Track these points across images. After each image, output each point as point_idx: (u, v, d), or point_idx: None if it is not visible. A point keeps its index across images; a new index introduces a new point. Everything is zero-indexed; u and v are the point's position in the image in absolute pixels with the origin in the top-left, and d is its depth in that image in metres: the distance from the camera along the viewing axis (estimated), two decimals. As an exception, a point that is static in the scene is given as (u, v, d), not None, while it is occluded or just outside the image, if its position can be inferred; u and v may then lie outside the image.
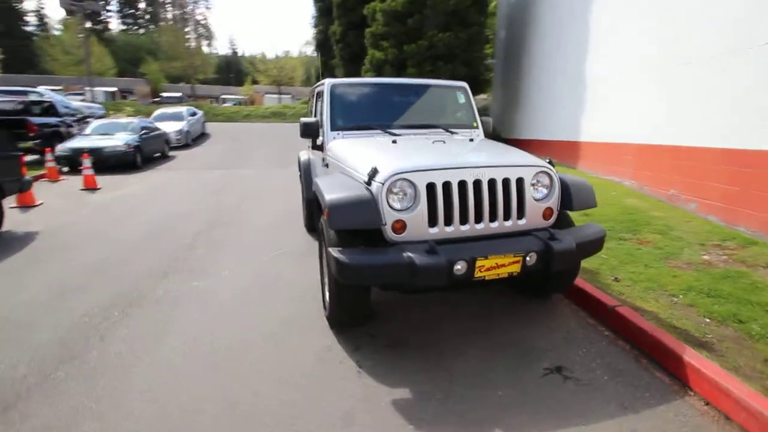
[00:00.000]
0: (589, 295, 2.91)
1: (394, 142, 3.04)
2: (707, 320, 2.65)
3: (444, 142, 3.08)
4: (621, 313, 2.61)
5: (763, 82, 3.80)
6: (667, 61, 4.97)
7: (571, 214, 2.82)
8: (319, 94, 3.98)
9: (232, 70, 54.54)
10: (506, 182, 2.45)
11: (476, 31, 10.58)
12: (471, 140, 3.24)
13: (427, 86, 3.85)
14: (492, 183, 2.43)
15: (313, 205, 4.55)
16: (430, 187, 2.33)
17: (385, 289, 2.42)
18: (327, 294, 2.82)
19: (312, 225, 4.82)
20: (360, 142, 3.19)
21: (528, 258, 2.31)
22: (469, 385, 2.15)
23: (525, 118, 10.06)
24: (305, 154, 4.83)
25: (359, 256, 2.17)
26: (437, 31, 10.34)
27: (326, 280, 2.87)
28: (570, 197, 2.62)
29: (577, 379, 2.19)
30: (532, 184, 2.54)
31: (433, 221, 2.35)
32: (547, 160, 2.65)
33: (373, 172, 2.35)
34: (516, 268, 2.31)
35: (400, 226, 2.30)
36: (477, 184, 2.40)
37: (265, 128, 23.58)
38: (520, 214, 2.50)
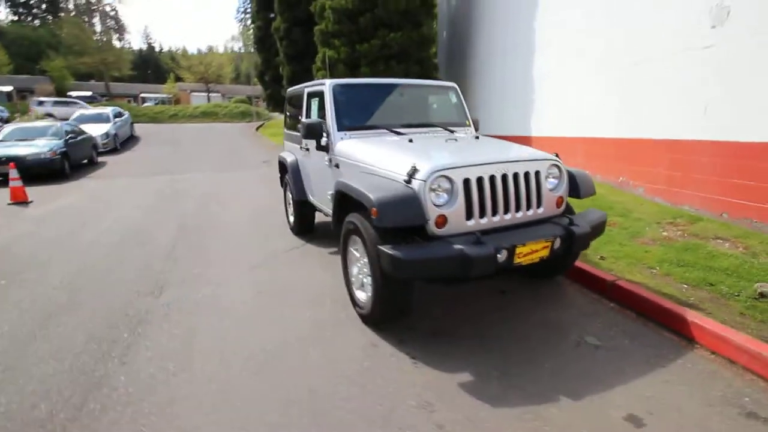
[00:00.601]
0: (588, 274, 3.26)
1: (410, 141, 3.14)
2: (685, 286, 3.12)
3: (456, 141, 3.25)
4: (622, 285, 2.99)
5: (698, 81, 4.48)
6: (614, 61, 5.62)
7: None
8: (314, 95, 3.94)
9: (150, 67, 50.20)
10: (527, 175, 2.68)
11: (426, 32, 10.91)
12: (477, 138, 3.45)
13: (420, 86, 4.00)
14: (515, 176, 2.64)
15: (306, 206, 4.52)
16: (466, 183, 2.48)
17: (430, 282, 2.53)
18: (358, 293, 2.86)
19: (301, 228, 4.75)
20: (373, 141, 3.24)
21: (555, 242, 2.56)
22: (518, 363, 2.34)
23: (476, 115, 10.66)
24: (290, 155, 4.74)
25: (414, 251, 2.26)
26: (389, 31, 10.51)
27: (353, 278, 2.91)
28: (577, 186, 2.93)
29: (604, 346, 2.48)
30: (546, 176, 2.80)
31: (469, 214, 2.50)
32: (555, 154, 2.94)
33: (413, 171, 2.43)
34: (546, 253, 2.55)
35: (441, 221, 2.43)
36: (503, 178, 2.60)
37: (199, 129, 22.26)
38: (539, 203, 2.75)
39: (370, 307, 2.63)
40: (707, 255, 3.60)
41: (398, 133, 3.48)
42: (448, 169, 2.45)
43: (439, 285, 2.98)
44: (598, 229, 2.86)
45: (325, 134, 3.49)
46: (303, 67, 13.87)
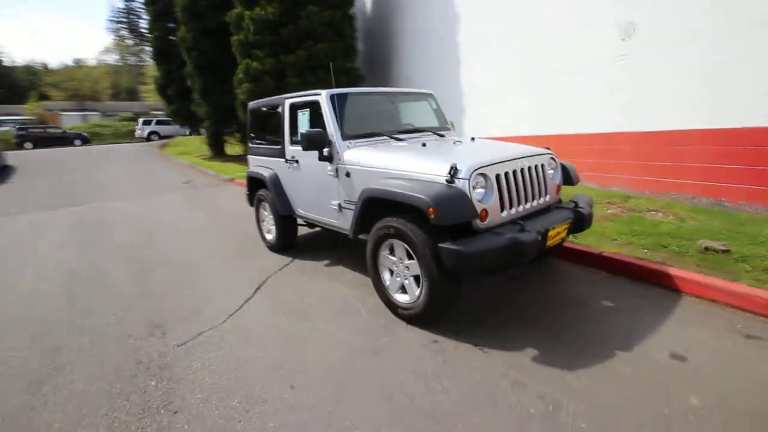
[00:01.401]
0: (576, 251, 3.76)
1: (423, 145, 3.30)
2: (645, 250, 3.77)
3: (462, 143, 3.49)
4: (608, 256, 3.52)
5: (614, 84, 5.41)
6: (540, 69, 6.46)
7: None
8: (301, 106, 3.87)
9: (3, 85, 42.00)
10: (536, 168, 3.04)
11: (350, 42, 11.13)
12: (473, 139, 3.72)
13: (404, 94, 4.18)
14: (529, 170, 2.97)
15: (290, 221, 4.38)
16: (497, 178, 2.73)
17: (482, 273, 2.70)
18: (398, 296, 2.91)
19: (284, 243, 4.57)
20: (386, 148, 3.32)
21: (571, 224, 2.94)
22: (565, 333, 2.63)
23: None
24: (266, 170, 4.53)
25: (474, 244, 2.42)
26: (314, 42, 10.51)
27: (388, 283, 2.96)
28: (569, 175, 3.38)
29: (621, 307, 2.91)
30: (548, 168, 3.19)
31: (502, 206, 2.75)
32: (547, 148, 3.35)
33: (454, 171, 2.60)
34: (564, 234, 2.92)
35: (484, 215, 2.63)
36: (522, 171, 2.91)
37: (86, 152, 19.45)
38: (546, 192, 3.12)
39: (421, 307, 2.70)
40: (650, 224, 4.39)
41: (398, 139, 3.61)
42: (484, 166, 2.67)
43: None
44: (592, 210, 3.33)
45: (329, 144, 3.46)
46: (217, 78, 13.07)
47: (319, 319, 3.08)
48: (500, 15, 7.08)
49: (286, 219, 4.43)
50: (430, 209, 2.44)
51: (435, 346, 2.58)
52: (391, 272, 3.01)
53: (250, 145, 4.98)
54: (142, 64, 47.60)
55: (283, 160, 4.19)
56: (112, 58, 53.51)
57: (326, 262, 4.29)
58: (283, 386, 2.30)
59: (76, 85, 34.25)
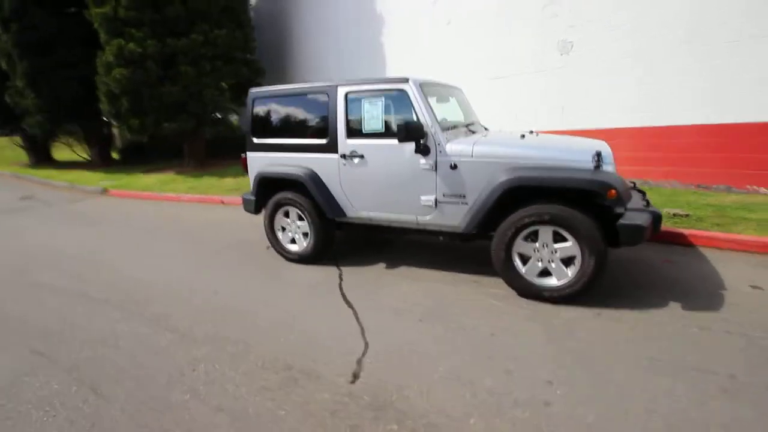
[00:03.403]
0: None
1: (522, 137, 3.44)
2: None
3: (537, 134, 3.76)
4: (628, 226, 4.36)
5: (555, 90, 6.55)
6: (483, 74, 7.26)
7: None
8: (374, 95, 3.48)
9: None
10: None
11: (248, 33, 10.03)
12: (531, 132, 4.02)
13: (451, 87, 4.18)
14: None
15: (332, 226, 3.91)
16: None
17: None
18: (545, 280, 3.01)
19: (323, 251, 4.04)
20: (494, 139, 3.33)
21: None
22: (676, 285, 3.19)
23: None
24: (298, 169, 3.87)
25: (643, 220, 2.75)
26: (210, 27, 9.12)
27: (525, 270, 3.04)
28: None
29: (677, 262, 3.68)
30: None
31: (614, 189, 3.18)
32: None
33: (599, 158, 2.87)
34: (639, 210, 3.54)
35: (619, 196, 3.00)
36: (607, 158, 3.40)
37: None
38: (609, 176, 3.71)
39: (583, 284, 2.85)
40: (612, 201, 5.54)
41: (472, 131, 3.67)
42: (610, 155, 3.03)
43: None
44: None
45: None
46: (51, 61, 9.95)
47: (461, 318, 2.91)
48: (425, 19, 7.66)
49: (329, 224, 3.91)
50: (611, 191, 2.66)
51: (606, 317, 2.80)
52: (523, 260, 3.08)
53: (256, 141, 4.15)
54: None
55: (336, 155, 3.69)
56: None
57: (383, 265, 3.97)
58: (537, 382, 2.17)
59: None
